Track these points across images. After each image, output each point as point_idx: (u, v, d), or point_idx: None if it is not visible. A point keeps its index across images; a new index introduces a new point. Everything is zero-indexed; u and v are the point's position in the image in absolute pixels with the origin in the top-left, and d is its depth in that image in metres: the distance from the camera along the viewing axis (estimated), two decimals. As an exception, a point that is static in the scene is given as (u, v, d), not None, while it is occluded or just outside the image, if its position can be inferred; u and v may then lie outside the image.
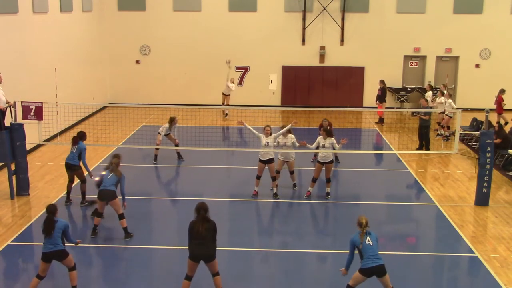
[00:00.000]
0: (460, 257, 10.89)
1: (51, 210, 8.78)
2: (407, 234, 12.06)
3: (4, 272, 10.10)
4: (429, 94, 21.47)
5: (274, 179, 13.58)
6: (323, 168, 13.46)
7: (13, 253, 10.67)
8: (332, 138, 13.33)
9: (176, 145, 16.54)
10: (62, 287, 9.28)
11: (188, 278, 8.81)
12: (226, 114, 23.11)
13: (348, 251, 8.76)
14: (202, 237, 8.62)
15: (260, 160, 13.47)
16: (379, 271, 8.39)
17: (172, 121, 16.46)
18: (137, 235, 11.54)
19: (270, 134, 13.46)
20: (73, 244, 9.25)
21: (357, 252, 8.61)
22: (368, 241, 8.47)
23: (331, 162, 13.48)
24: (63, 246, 8.79)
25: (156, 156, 16.59)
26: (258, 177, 13.66)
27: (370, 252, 8.41)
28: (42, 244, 8.84)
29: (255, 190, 13.75)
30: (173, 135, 16.63)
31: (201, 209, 8.73)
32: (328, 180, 13.63)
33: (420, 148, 18.32)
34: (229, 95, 23.35)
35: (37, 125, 14.49)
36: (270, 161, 13.41)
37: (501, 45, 25.16)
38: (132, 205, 13.30)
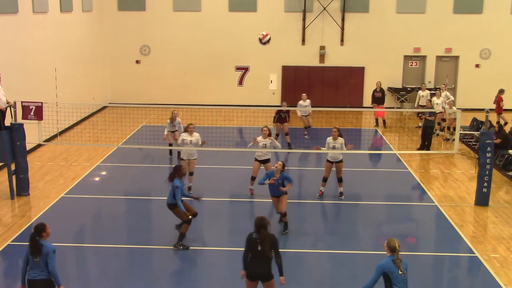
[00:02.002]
0: (460, 257, 10.89)
1: (37, 229, 7.66)
2: (407, 234, 12.05)
3: (4, 272, 10.10)
4: (426, 94, 21.45)
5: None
6: (333, 168, 13.57)
7: (13, 253, 10.65)
8: (342, 139, 13.37)
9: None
10: None
11: None
12: (306, 134, 20.13)
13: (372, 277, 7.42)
14: (260, 255, 7.89)
15: (257, 160, 13.55)
16: None
17: (171, 116, 16.56)
18: (137, 235, 11.55)
19: (269, 135, 13.55)
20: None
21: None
22: (401, 271, 7.27)
23: (341, 161, 13.52)
24: (49, 275, 7.58)
25: (170, 151, 16.88)
26: (253, 178, 13.70)
27: (403, 285, 7.28)
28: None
29: (251, 189, 13.79)
30: (178, 133, 16.45)
31: (261, 227, 7.92)
32: (340, 180, 13.69)
33: (421, 148, 18.32)
34: (308, 115, 19.90)
35: (37, 125, 14.49)
36: (267, 161, 13.50)
37: (501, 45, 25.15)
38: (132, 205, 13.34)
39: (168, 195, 10.91)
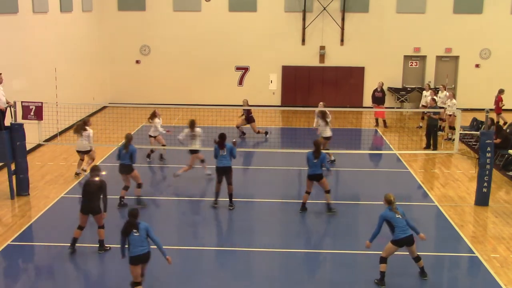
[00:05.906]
0: (460, 257, 10.90)
1: (134, 214, 8.90)
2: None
3: (4, 272, 10.10)
4: (429, 94, 21.44)
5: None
6: None
7: (13, 253, 10.66)
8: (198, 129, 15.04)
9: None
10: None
11: (81, 228, 10.69)
12: None
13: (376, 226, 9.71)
14: (92, 196, 10.50)
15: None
16: (408, 241, 9.41)
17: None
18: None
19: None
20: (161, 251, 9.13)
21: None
22: (398, 215, 9.50)
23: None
24: (149, 248, 8.97)
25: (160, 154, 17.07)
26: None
27: (400, 225, 9.42)
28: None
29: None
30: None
31: (96, 170, 10.68)
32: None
33: (427, 147, 18.35)
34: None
35: (37, 125, 14.49)
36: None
37: (501, 45, 25.15)
38: (132, 205, 13.30)
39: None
